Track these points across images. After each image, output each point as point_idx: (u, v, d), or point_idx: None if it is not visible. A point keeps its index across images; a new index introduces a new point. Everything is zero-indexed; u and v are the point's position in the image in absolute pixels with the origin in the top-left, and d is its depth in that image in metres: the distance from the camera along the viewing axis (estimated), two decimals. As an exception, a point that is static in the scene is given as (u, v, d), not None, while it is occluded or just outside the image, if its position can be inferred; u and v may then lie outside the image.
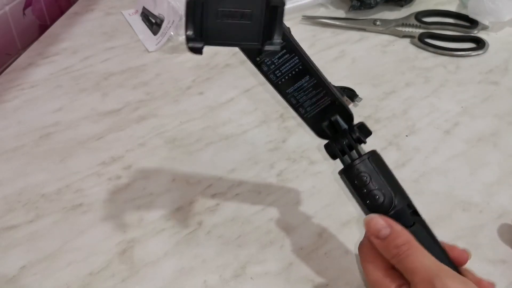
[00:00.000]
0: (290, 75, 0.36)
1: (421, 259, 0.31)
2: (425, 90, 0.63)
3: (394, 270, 0.33)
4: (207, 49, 0.64)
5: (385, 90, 0.63)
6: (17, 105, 0.60)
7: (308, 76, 0.36)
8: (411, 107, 0.60)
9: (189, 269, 0.43)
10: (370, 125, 0.38)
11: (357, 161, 0.35)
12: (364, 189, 0.34)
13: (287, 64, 0.36)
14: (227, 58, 0.68)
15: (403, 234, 0.32)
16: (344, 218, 0.47)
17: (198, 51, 0.29)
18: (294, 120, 0.58)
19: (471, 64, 0.67)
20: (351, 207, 0.48)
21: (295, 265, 0.43)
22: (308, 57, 0.36)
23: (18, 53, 0.70)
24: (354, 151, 0.37)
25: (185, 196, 0.49)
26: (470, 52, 0.69)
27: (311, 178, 0.51)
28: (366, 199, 0.34)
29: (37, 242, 0.45)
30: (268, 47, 0.30)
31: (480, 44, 0.70)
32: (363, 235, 0.45)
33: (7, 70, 0.66)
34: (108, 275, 0.42)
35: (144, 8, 0.76)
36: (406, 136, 0.56)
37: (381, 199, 0.34)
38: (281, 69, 0.36)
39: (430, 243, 0.34)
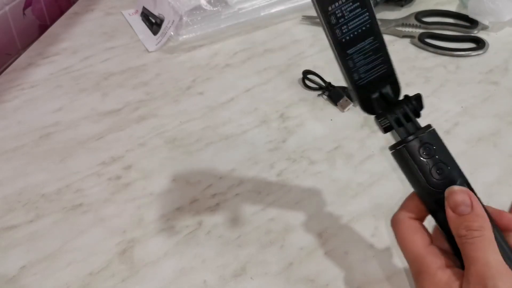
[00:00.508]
0: (356, 33, 0.34)
1: (486, 252, 0.29)
2: (425, 90, 0.63)
3: (434, 247, 0.32)
4: (207, 49, 0.65)
5: (385, 90, 0.63)
6: (17, 105, 0.60)
7: (372, 38, 0.34)
8: (411, 107, 0.60)
9: (189, 269, 0.43)
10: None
11: (421, 131, 0.33)
12: (429, 161, 0.32)
13: (356, 20, 0.33)
14: (227, 58, 0.69)
15: (481, 220, 0.30)
16: (344, 218, 0.47)
17: None
18: (294, 120, 0.58)
19: (471, 64, 0.67)
20: (351, 207, 0.48)
21: (295, 265, 0.43)
22: (375, 16, 0.34)
23: (18, 53, 0.70)
24: (410, 123, 0.35)
25: (185, 196, 0.49)
26: (470, 52, 0.69)
27: (311, 178, 0.51)
28: (430, 171, 0.32)
29: (37, 242, 0.45)
30: None
31: (480, 44, 0.70)
32: (364, 235, 0.45)
33: (7, 70, 0.66)
34: (108, 275, 0.42)
35: (144, 8, 0.76)
36: (406, 136, 0.56)
37: (447, 172, 0.32)
38: (349, 24, 0.33)
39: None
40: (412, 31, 0.73)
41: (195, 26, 0.71)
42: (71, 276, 0.42)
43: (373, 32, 0.34)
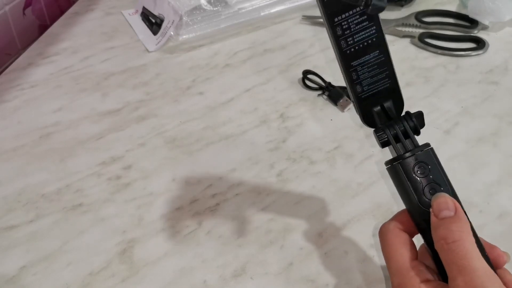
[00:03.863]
0: (361, 45, 0.34)
1: (471, 259, 0.28)
2: (425, 90, 0.63)
3: (419, 262, 0.32)
4: (207, 49, 0.65)
5: (385, 90, 0.63)
6: (17, 105, 0.60)
7: (378, 51, 0.34)
8: (411, 107, 0.59)
9: (189, 269, 0.43)
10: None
11: (418, 149, 0.33)
12: (423, 180, 0.32)
13: (363, 32, 0.33)
14: (227, 58, 0.68)
15: (463, 222, 0.30)
16: (344, 218, 0.47)
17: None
18: (294, 120, 0.58)
19: (471, 64, 0.67)
20: (351, 207, 0.48)
21: (295, 265, 0.43)
22: (382, 30, 0.34)
23: (18, 53, 0.70)
24: (408, 140, 0.34)
25: (185, 196, 0.49)
26: (470, 52, 0.69)
27: (311, 178, 0.51)
28: (423, 190, 0.32)
29: (37, 242, 0.45)
30: (376, 2, 0.28)
31: (480, 44, 0.70)
32: (363, 235, 0.45)
33: (7, 70, 0.66)
34: (108, 275, 0.42)
35: (144, 8, 0.76)
36: (406, 136, 0.56)
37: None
38: (354, 37, 0.33)
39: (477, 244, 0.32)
40: (412, 31, 0.73)
41: (195, 26, 0.71)
42: (71, 276, 0.42)
43: (379, 46, 0.34)
